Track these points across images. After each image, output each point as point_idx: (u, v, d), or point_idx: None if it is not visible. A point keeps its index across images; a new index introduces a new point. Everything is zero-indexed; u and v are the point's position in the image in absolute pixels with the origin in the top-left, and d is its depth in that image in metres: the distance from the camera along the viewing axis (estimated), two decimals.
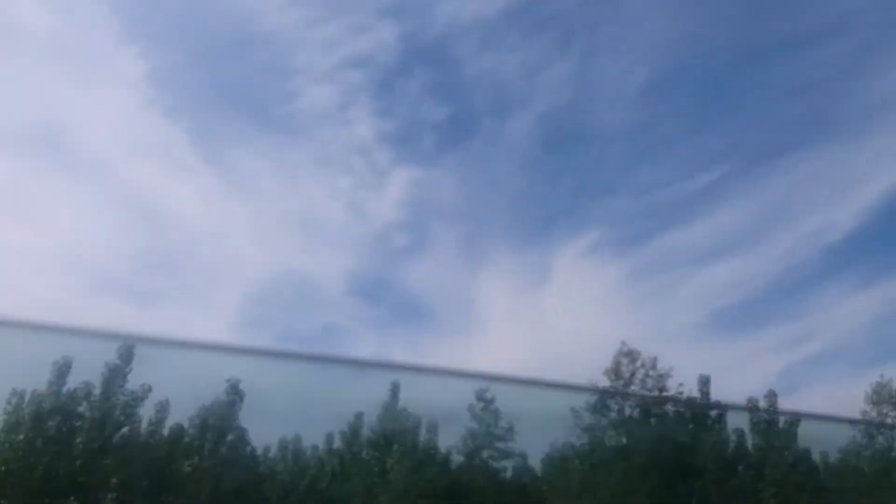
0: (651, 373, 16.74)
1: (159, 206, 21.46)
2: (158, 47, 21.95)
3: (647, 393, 16.67)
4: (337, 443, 16.33)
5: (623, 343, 17.14)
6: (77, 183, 21.87)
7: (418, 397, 15.72)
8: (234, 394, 15.36)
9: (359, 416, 16.27)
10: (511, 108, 23.24)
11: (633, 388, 16.55)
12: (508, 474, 16.82)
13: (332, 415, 15.50)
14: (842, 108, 23.80)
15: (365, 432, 16.27)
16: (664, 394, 17.02)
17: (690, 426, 17.08)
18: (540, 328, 22.07)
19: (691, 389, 16.84)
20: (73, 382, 15.01)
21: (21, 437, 14.46)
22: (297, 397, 14.54)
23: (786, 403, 16.80)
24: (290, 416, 15.09)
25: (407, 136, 22.92)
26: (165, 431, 15.44)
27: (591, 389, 16.39)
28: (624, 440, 17.01)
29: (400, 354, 22.25)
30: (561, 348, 20.61)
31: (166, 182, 21.38)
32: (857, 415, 17.34)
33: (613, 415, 16.49)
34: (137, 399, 15.21)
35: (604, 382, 16.63)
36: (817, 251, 24.75)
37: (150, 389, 15.16)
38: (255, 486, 15.30)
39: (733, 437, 17.26)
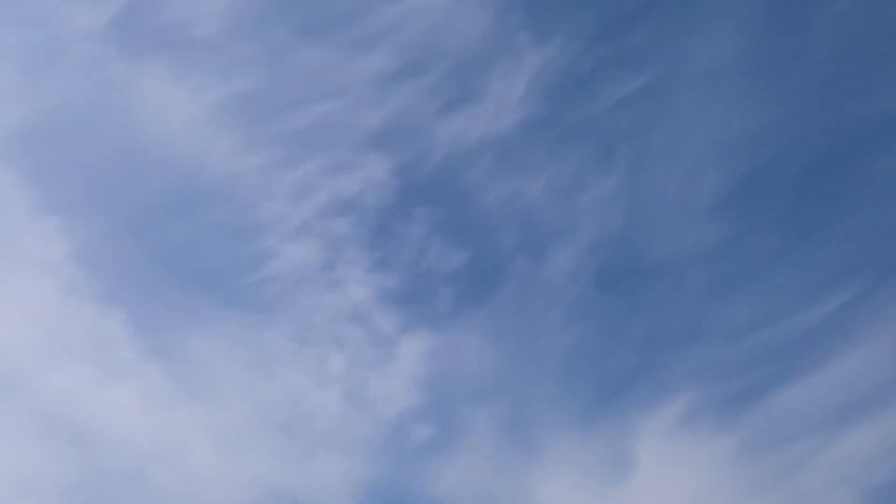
0: None
1: (95, 421, 18.64)
2: (84, 218, 17.71)
3: None
4: None
5: None
6: None
7: None
8: None
9: None
10: (547, 243, 18.36)
11: None
12: None
13: None
14: None
15: None
16: None
17: None
18: None
19: None
20: None
21: None
22: None
23: None
24: None
25: (415, 294, 18.41)
26: None
27: None
28: None
29: None
30: None
31: (101, 389, 18.99)
32: None
33: None
34: None
35: None
36: None
37: None
38: None
39: None
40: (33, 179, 18.19)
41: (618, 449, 18.39)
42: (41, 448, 17.56)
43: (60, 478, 17.25)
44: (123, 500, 17.45)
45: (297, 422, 18.26)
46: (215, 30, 18.08)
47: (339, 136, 18.40)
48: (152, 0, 18.40)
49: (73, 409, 17.64)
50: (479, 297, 19.46)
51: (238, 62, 18.18)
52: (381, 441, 18.38)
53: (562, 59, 18.41)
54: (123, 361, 17.78)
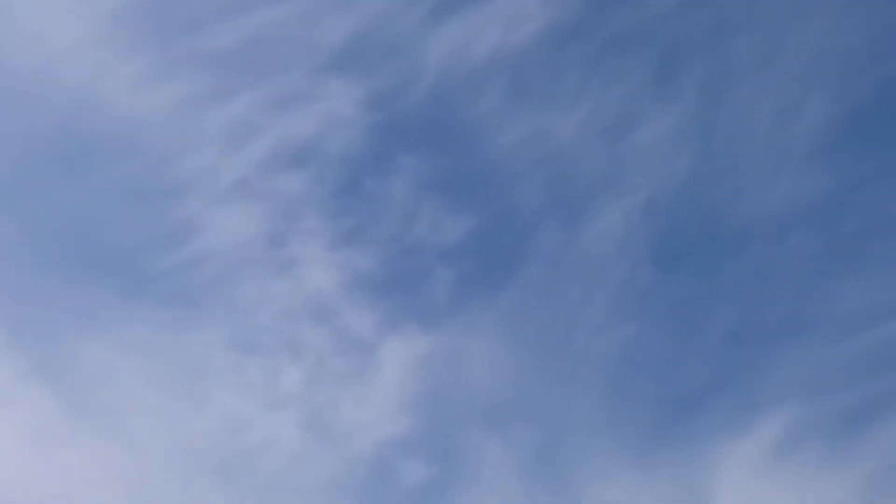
0: None
1: None
2: None
3: None
4: None
5: None
6: None
7: None
8: None
9: None
10: (585, 202, 13.39)
11: None
12: None
13: None
14: None
15: None
16: None
17: None
18: None
19: None
20: None
21: None
22: None
23: None
24: None
25: (400, 279, 13.62)
26: None
27: None
28: None
29: None
30: None
31: None
32: None
33: None
34: None
35: None
36: None
37: None
38: None
39: None
40: None
41: (689, 492, 14.71)
42: None
43: None
44: None
45: (239, 462, 14.82)
46: None
47: (287, 57, 15.00)
48: None
49: None
50: (489, 282, 16.11)
51: None
52: (356, 485, 14.95)
53: None
54: None
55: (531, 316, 15.53)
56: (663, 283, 15.04)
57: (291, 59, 14.86)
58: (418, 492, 15.34)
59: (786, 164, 14.90)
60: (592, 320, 15.20)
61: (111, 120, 14.83)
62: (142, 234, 14.96)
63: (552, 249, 15.29)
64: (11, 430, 14.74)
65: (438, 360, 15.29)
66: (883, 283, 14.94)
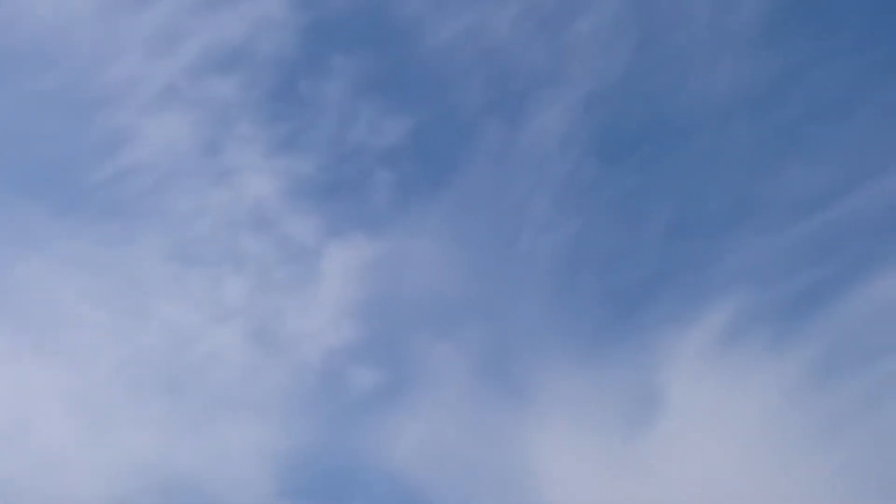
0: None
1: None
2: None
3: None
4: None
5: None
6: None
7: None
8: None
9: None
10: (525, 98, 12.43)
11: None
12: None
13: None
14: None
15: None
16: None
17: None
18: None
19: None
20: None
21: None
22: None
23: None
24: None
25: (340, 183, 12.42)
26: None
27: None
28: None
29: None
30: None
31: None
32: None
33: None
34: None
35: None
36: None
37: None
38: None
39: None
40: None
41: (638, 383, 14.29)
42: None
43: None
44: None
45: (184, 375, 14.10)
46: None
47: None
48: None
49: None
50: (431, 183, 15.32)
51: None
52: (305, 394, 14.26)
53: None
54: None
55: (475, 216, 14.96)
56: (607, 177, 14.53)
57: None
58: (368, 398, 14.79)
59: (726, 52, 14.37)
60: (537, 217, 14.67)
61: (30, 30, 13.90)
62: (70, 147, 14.10)
63: (494, 147, 14.66)
64: None
65: (383, 265, 14.69)
66: (825, 169, 14.55)
